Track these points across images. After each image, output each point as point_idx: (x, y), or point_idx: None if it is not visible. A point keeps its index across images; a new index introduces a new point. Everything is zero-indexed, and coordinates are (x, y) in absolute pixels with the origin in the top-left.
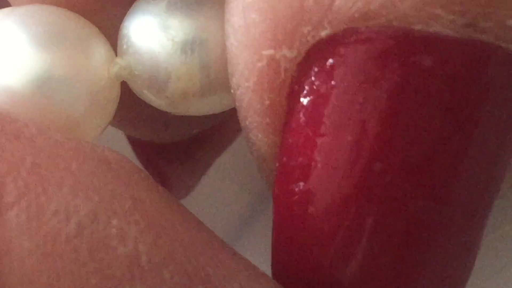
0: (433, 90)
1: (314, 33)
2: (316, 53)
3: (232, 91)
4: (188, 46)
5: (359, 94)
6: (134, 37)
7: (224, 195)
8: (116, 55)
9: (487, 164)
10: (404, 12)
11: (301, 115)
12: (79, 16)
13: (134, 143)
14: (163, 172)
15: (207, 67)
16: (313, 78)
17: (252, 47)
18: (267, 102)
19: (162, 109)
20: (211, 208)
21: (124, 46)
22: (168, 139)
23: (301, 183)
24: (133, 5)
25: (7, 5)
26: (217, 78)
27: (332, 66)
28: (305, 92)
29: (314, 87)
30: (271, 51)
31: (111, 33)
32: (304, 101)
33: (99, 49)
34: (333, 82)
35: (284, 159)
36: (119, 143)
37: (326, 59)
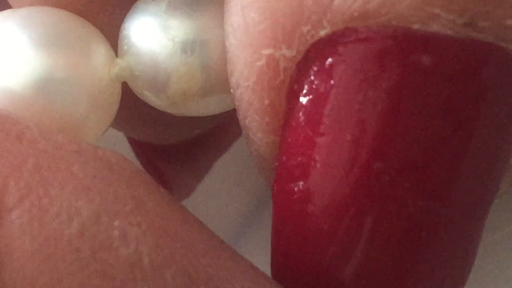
0: (432, 89)
1: (313, 33)
2: (315, 53)
3: (231, 90)
4: (189, 47)
5: (359, 93)
6: (134, 38)
7: (225, 196)
8: (117, 56)
9: (486, 163)
10: (403, 12)
11: (300, 114)
12: (79, 18)
13: (135, 144)
14: (164, 173)
15: (207, 67)
16: (312, 78)
17: (252, 47)
18: (267, 101)
19: (163, 109)
20: (211, 209)
21: (125, 47)
22: (169, 140)
23: (301, 182)
24: (133, 6)
25: (8, 7)
26: (218, 78)
27: (331, 65)
28: (304, 91)
29: (314, 86)
30: (270, 51)
31: (112, 34)
32: (304, 100)
33: (99, 50)
34: (332, 82)
35: (284, 158)
36: (119, 144)
37: (325, 59)
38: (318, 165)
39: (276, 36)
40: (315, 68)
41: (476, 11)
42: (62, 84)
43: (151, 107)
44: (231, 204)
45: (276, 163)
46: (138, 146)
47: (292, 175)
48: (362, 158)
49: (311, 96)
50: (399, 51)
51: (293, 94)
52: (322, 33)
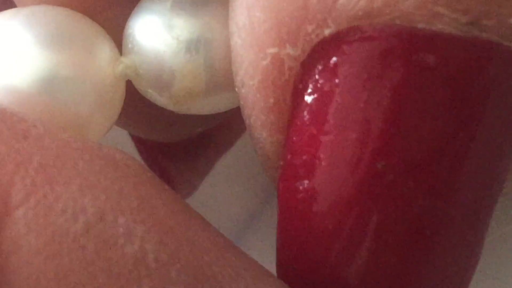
0: (436, 88)
1: (318, 32)
2: (320, 51)
3: (236, 89)
4: (193, 45)
5: (363, 92)
6: (139, 36)
7: (228, 194)
8: (121, 55)
9: (490, 162)
10: (407, 11)
11: (305, 113)
12: (84, 16)
13: (138, 142)
14: (167, 171)
15: (211, 66)
16: (317, 77)
17: (257, 46)
18: (272, 100)
19: (167, 108)
20: (214, 207)
21: (129, 45)
22: (172, 138)
23: (306, 181)
24: (137, 5)
25: (13, 5)
26: (222, 77)
27: (335, 64)
28: (309, 90)
29: (318, 85)
30: (275, 49)
31: (116, 33)
32: (308, 99)
33: (104, 49)
34: (337, 80)
35: (289, 157)
36: (122, 142)
37: (330, 57)
38: (323, 164)
39: (281, 35)
40: (320, 67)
41: (480, 9)
42: (67, 83)
43: (155, 105)
44: (234, 202)
45: (281, 162)
46: (142, 144)
47: (297, 174)
48: (367, 157)
49: (315, 95)
50: (404, 50)
51: (298, 93)
52: (327, 32)
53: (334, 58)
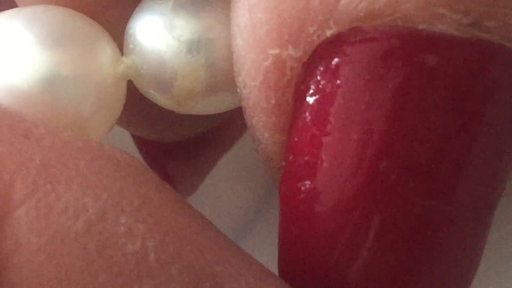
0: (438, 89)
1: (319, 33)
2: (321, 53)
3: (238, 90)
4: (194, 46)
5: (365, 93)
6: (140, 37)
7: (229, 193)
8: (122, 55)
9: (492, 163)
10: (409, 12)
11: (307, 114)
12: (85, 16)
13: (139, 141)
14: (168, 170)
15: (212, 66)
16: (318, 77)
17: (258, 47)
18: (273, 101)
19: (168, 108)
20: (215, 206)
21: (130, 46)
22: (173, 138)
23: (307, 182)
24: (139, 5)
25: (14, 5)
26: (223, 77)
27: (337, 65)
28: (311, 91)
29: (320, 86)
30: (277, 50)
31: (117, 33)
32: (310, 100)
33: (105, 49)
34: (338, 81)
35: (290, 157)
36: (123, 142)
37: (332, 59)
38: (324, 164)
39: (282, 36)
40: (322, 68)
41: (482, 11)
42: (68, 82)
43: (156, 105)
44: (235, 202)
45: (283, 163)
46: (143, 144)
47: (299, 175)
48: (369, 157)
49: (317, 96)
50: (405, 51)
51: (300, 94)
52: (329, 33)
53: (336, 59)
